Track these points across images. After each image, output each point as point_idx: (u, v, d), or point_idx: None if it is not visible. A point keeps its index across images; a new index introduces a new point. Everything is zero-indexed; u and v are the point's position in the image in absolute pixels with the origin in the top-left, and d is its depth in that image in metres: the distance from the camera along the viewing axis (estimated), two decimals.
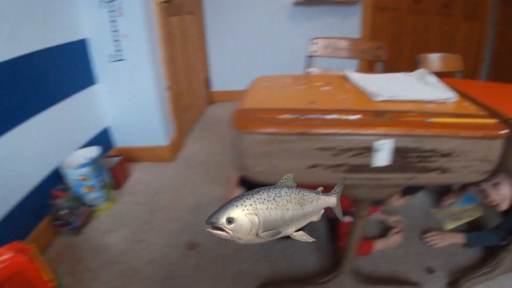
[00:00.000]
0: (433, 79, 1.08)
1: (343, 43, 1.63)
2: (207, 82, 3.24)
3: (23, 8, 1.41)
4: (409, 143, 0.73)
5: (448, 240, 1.50)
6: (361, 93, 0.97)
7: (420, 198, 1.78)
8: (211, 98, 3.35)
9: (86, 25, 1.83)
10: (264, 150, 0.75)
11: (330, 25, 3.06)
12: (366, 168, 0.76)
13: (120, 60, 1.91)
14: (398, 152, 0.74)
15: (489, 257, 1.36)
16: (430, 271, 1.36)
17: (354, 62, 2.81)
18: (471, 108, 0.91)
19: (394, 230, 1.50)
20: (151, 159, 2.16)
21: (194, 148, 2.36)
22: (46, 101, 1.56)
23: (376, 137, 0.72)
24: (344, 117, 0.76)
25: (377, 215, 1.61)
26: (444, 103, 0.93)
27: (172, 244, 1.46)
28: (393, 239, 1.48)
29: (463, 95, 1.12)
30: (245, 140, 0.76)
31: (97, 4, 1.79)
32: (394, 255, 1.43)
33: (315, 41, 1.63)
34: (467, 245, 1.47)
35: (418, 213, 1.69)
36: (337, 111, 0.78)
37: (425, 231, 1.54)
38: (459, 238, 1.49)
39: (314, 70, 1.62)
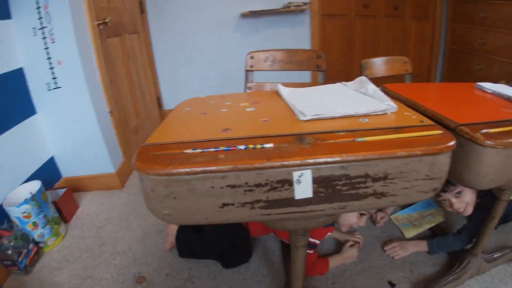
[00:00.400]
0: (372, 87, 1.02)
1: (280, 55, 1.58)
2: (159, 101, 3.13)
3: None
4: (334, 170, 0.66)
5: (409, 249, 1.46)
6: (288, 112, 0.91)
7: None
8: (164, 118, 3.24)
9: (21, 53, 1.73)
10: (167, 192, 0.66)
11: (279, 35, 3.03)
12: (288, 202, 0.68)
13: (57, 88, 1.80)
14: (322, 182, 0.67)
15: (454, 263, 1.34)
16: (391, 284, 1.31)
17: (307, 73, 2.79)
18: (412, 118, 0.85)
19: (349, 244, 1.45)
20: (99, 187, 2.06)
21: None
22: None
23: (292, 168, 0.65)
24: (257, 146, 0.69)
25: (332, 234, 1.56)
26: (383, 114, 0.87)
27: (120, 279, 1.38)
28: (349, 253, 1.42)
29: (407, 102, 1.08)
30: (145, 182, 0.67)
31: (31, 31, 1.70)
32: (354, 271, 1.38)
33: (251, 55, 1.57)
34: (430, 252, 1.44)
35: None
36: (250, 140, 0.71)
37: (386, 242, 1.50)
38: (421, 246, 1.45)
39: (253, 86, 1.56)
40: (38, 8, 1.67)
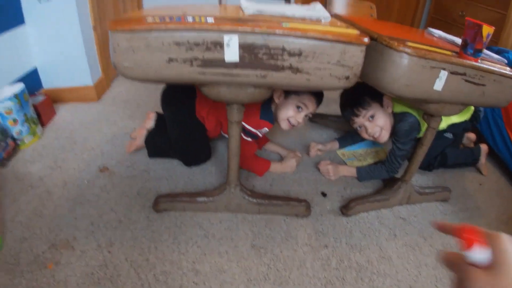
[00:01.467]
0: (319, 7, 1.15)
1: None
2: None
3: None
4: (256, 39, 0.84)
5: (340, 172, 1.61)
6: (239, 12, 1.06)
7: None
8: None
9: None
10: (128, 45, 0.84)
11: None
12: (219, 63, 0.86)
13: (47, 1, 1.90)
14: (247, 48, 0.84)
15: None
16: (323, 194, 1.49)
17: None
18: (342, 26, 0.99)
19: (290, 155, 1.64)
20: (77, 99, 2.19)
21: (120, 89, 2.41)
22: None
23: (223, 33, 0.82)
24: (202, 19, 0.86)
25: (272, 147, 1.74)
26: (317, 21, 1.02)
27: (86, 169, 1.56)
28: (289, 163, 1.61)
29: (349, 22, 1.23)
30: (113, 38, 0.84)
31: None
32: (291, 178, 1.58)
33: None
34: (359, 178, 1.59)
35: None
36: (196, 16, 0.87)
37: (321, 161, 1.65)
38: (351, 172, 1.60)
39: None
40: None
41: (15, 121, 1.66)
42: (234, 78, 0.89)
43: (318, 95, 1.44)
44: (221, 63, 0.86)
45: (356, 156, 1.81)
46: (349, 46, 0.89)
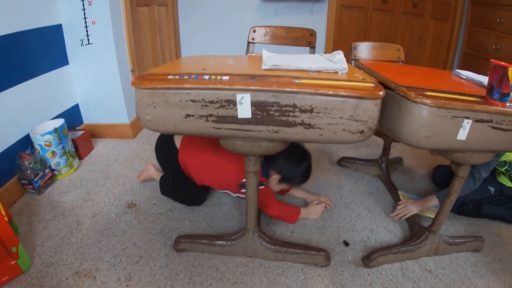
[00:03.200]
0: (340, 57, 1.16)
1: (279, 31, 1.78)
2: None
3: None
4: (267, 97, 0.87)
5: (419, 206, 1.52)
6: (258, 64, 1.10)
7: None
8: None
9: (61, 11, 2.02)
10: (149, 101, 0.90)
11: (297, 20, 3.17)
12: (233, 119, 0.90)
13: (89, 44, 2.08)
14: (259, 106, 0.87)
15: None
16: (345, 243, 1.44)
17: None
18: (358, 77, 0.99)
19: (315, 201, 1.63)
20: (114, 135, 2.34)
21: None
22: (22, 76, 1.76)
23: (236, 92, 0.86)
24: (218, 77, 0.90)
25: (296, 192, 1.74)
26: (334, 73, 1.03)
27: (115, 204, 1.64)
28: (314, 209, 1.59)
29: (369, 71, 1.23)
30: (136, 94, 0.91)
31: None
32: (314, 226, 1.55)
33: (253, 29, 1.78)
34: (439, 199, 1.49)
35: (347, 191, 1.81)
36: (213, 74, 0.92)
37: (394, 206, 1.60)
38: (432, 201, 1.51)
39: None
40: None
41: (53, 153, 1.81)
42: (248, 133, 0.92)
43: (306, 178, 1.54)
44: (235, 119, 0.89)
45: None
46: (363, 101, 0.88)
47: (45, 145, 1.77)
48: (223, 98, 0.87)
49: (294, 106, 0.87)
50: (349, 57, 1.74)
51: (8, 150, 1.66)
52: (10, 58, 1.66)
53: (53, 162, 1.81)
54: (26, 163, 1.66)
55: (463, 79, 1.31)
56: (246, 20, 3.20)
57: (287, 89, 0.85)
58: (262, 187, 1.48)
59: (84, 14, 2.02)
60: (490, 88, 1.02)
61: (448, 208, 1.30)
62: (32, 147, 1.77)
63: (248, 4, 3.16)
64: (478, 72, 3.03)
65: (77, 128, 2.22)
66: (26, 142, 1.76)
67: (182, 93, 0.88)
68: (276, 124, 0.90)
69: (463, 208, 1.62)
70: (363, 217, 1.61)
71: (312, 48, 1.74)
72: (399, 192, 1.73)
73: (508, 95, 0.99)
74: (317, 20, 3.19)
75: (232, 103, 0.87)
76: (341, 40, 3.28)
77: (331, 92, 0.86)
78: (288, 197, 1.76)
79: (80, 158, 2.05)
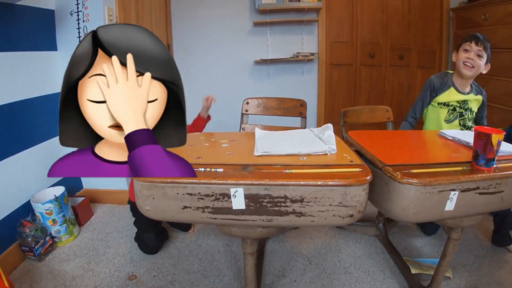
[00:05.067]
0: (329, 133, 1.23)
1: (271, 102, 1.87)
2: None
3: (10, 62, 1.73)
4: (260, 190, 0.92)
5: None
6: (251, 149, 1.16)
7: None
8: None
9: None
10: (148, 193, 0.95)
11: (288, 81, 3.33)
12: (228, 210, 0.95)
13: None
14: (252, 198, 0.93)
15: None
16: None
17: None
18: (346, 158, 1.06)
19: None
20: (113, 201, 2.37)
21: None
22: (24, 143, 1.84)
23: (230, 186, 0.91)
24: (212, 169, 0.96)
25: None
26: (323, 154, 1.10)
27: (116, 275, 1.65)
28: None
29: (356, 146, 1.30)
30: (136, 185, 0.97)
31: None
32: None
33: (246, 100, 1.87)
34: None
35: (345, 254, 1.81)
36: (209, 165, 0.98)
37: None
38: None
39: (248, 127, 1.84)
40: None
41: (54, 221, 1.84)
42: (243, 222, 0.97)
43: None
44: (230, 210, 0.94)
45: (421, 265, 1.68)
46: (350, 188, 0.93)
47: (46, 213, 1.80)
48: (217, 192, 0.92)
49: (285, 197, 0.92)
50: (340, 122, 1.82)
51: (9, 216, 1.70)
52: (14, 125, 1.75)
53: (53, 229, 1.84)
54: (27, 230, 1.70)
55: (449, 139, 1.37)
56: (240, 83, 3.33)
57: (277, 182, 0.90)
58: None
59: None
60: (475, 155, 1.08)
61: (444, 269, 1.34)
62: (33, 214, 1.80)
63: (241, 67, 3.31)
64: None
65: (76, 193, 2.25)
66: (27, 209, 1.80)
67: (179, 187, 0.93)
68: (269, 214, 0.94)
69: None
70: (363, 281, 1.60)
71: (304, 118, 1.82)
72: (404, 259, 1.73)
73: (493, 159, 1.05)
74: (308, 80, 3.34)
75: (227, 196, 0.92)
76: (332, 97, 3.41)
77: (320, 183, 0.91)
78: None
79: (80, 224, 2.07)
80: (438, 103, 1.79)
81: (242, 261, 1.74)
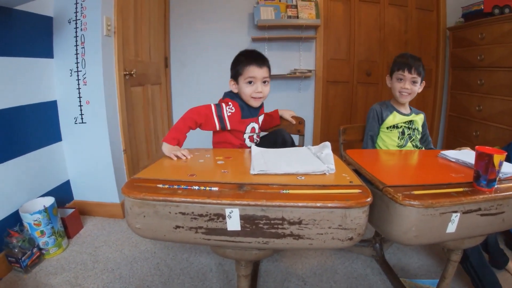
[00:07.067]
0: (327, 152, 1.21)
1: None
2: None
3: (4, 68, 1.70)
4: (256, 211, 0.88)
5: None
6: (247, 167, 1.13)
7: None
8: None
9: (57, 89, 2.09)
10: (139, 211, 0.91)
11: (286, 97, 3.33)
12: (222, 231, 0.90)
13: (82, 123, 2.14)
14: (247, 219, 0.89)
15: None
16: None
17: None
18: (346, 179, 1.03)
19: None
20: (104, 214, 2.32)
21: None
22: (16, 150, 1.80)
23: (225, 206, 0.87)
24: (207, 188, 0.92)
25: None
26: (322, 174, 1.07)
27: None
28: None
29: (355, 166, 1.27)
30: (127, 202, 0.93)
31: (68, 72, 2.07)
32: None
33: None
34: None
35: (341, 275, 1.77)
36: (204, 184, 0.95)
37: None
38: None
39: None
40: (76, 54, 2.05)
41: (42, 232, 1.78)
42: (238, 244, 0.92)
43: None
44: (224, 231, 0.90)
45: (418, 287, 1.66)
46: (350, 210, 0.89)
47: (34, 224, 1.75)
48: (212, 212, 0.88)
49: (283, 219, 0.88)
50: (338, 140, 1.80)
51: None
52: (4, 133, 1.71)
53: (41, 241, 1.79)
54: (14, 241, 1.65)
55: (451, 160, 1.35)
56: None
57: (275, 203, 0.87)
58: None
59: (79, 93, 2.09)
60: (476, 176, 1.05)
61: None
62: (21, 224, 1.75)
63: None
64: (464, 134, 3.10)
65: (66, 205, 2.20)
66: (15, 218, 1.75)
67: (172, 205, 0.89)
68: (266, 236, 0.90)
69: None
70: None
71: (302, 136, 1.80)
72: (402, 280, 1.69)
73: (494, 180, 1.02)
74: (305, 96, 3.35)
75: (221, 216, 0.88)
76: (329, 113, 3.39)
77: (318, 204, 0.87)
78: None
79: (69, 237, 2.01)
80: (387, 127, 1.77)
81: (235, 281, 1.69)
